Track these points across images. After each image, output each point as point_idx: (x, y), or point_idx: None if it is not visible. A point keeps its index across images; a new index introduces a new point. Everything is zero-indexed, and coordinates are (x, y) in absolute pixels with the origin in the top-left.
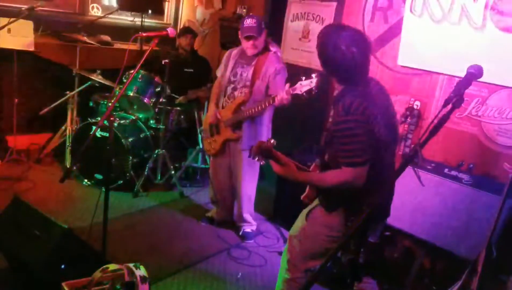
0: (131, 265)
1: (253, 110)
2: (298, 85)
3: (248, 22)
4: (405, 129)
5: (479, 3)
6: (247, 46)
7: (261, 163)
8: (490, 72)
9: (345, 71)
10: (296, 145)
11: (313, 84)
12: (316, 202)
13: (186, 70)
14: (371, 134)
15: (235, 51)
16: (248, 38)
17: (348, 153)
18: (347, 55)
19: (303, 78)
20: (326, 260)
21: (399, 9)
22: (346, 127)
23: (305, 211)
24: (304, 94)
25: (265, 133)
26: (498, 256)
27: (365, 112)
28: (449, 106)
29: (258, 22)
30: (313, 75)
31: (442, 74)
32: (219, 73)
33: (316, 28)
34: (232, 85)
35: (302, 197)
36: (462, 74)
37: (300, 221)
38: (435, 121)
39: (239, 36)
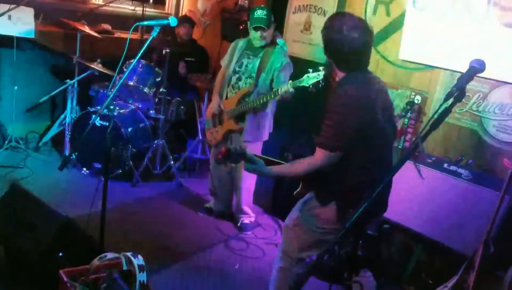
0: (129, 254)
1: (256, 102)
2: (305, 77)
3: (259, 13)
4: (405, 123)
5: None
6: (255, 36)
7: (232, 165)
8: (492, 68)
9: (344, 54)
10: (298, 138)
11: (321, 77)
12: (311, 193)
13: (186, 59)
14: (359, 125)
15: (241, 42)
16: (256, 28)
17: (323, 133)
18: (346, 39)
19: (311, 70)
20: (322, 252)
21: (401, 2)
22: (335, 111)
23: (300, 202)
24: (311, 86)
25: (268, 125)
26: (496, 252)
27: (360, 100)
28: (451, 100)
29: (268, 14)
30: (321, 68)
31: (443, 68)
32: (223, 63)
33: (318, 21)
34: (237, 75)
35: (295, 193)
36: (464, 69)
37: (295, 212)
38: (437, 114)
39: (248, 26)
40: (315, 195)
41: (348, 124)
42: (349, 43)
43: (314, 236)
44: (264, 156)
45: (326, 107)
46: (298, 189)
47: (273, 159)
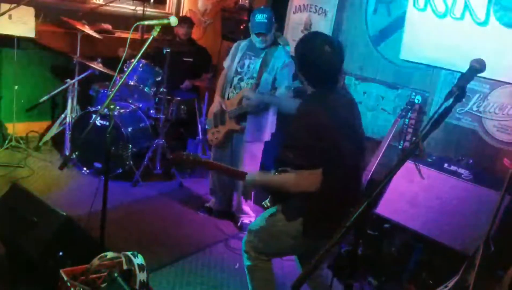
0: (129, 253)
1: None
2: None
3: (259, 17)
4: (405, 123)
5: None
6: (257, 40)
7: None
8: (492, 68)
9: (318, 69)
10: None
11: None
12: (278, 207)
13: (185, 59)
14: (322, 141)
15: (243, 43)
16: (258, 34)
17: (301, 158)
18: (322, 54)
19: None
20: (321, 255)
21: (402, 2)
22: (296, 130)
23: (266, 212)
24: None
25: (269, 126)
26: (496, 251)
27: (318, 119)
28: (451, 100)
29: (269, 18)
30: None
31: (444, 68)
32: (226, 64)
33: (318, 20)
34: (239, 76)
35: (263, 203)
36: (464, 69)
37: (260, 221)
38: (437, 114)
39: (250, 28)
40: (281, 210)
41: (314, 141)
42: (323, 61)
43: (286, 246)
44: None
45: (291, 129)
46: (268, 201)
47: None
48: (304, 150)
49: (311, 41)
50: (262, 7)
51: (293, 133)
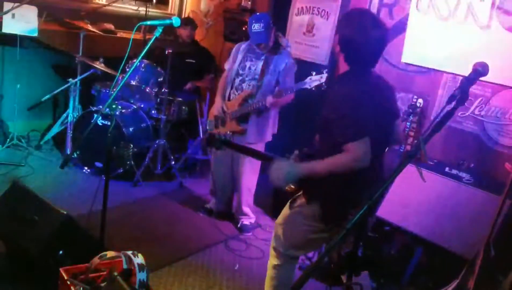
0: (129, 252)
1: (255, 105)
2: (307, 80)
3: (256, 27)
4: (407, 127)
5: (485, 2)
6: (257, 47)
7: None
8: (495, 72)
9: (357, 50)
10: (302, 140)
11: (323, 79)
12: (300, 191)
13: (187, 60)
14: (362, 112)
15: (244, 45)
16: (257, 45)
17: (347, 129)
18: (364, 31)
19: (314, 73)
20: (322, 256)
21: (404, 5)
22: (337, 104)
23: (290, 200)
24: (313, 88)
25: (271, 127)
26: (496, 255)
27: (357, 93)
28: (453, 103)
29: (265, 25)
30: (324, 71)
31: (446, 72)
32: (227, 65)
33: (320, 23)
34: (240, 78)
35: (286, 187)
36: (466, 73)
37: (285, 210)
38: (439, 117)
39: (248, 34)
40: (302, 193)
41: (356, 110)
42: (365, 36)
43: (302, 234)
44: (235, 144)
45: (330, 107)
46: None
47: (245, 146)
48: (349, 120)
49: (360, 18)
50: (257, 14)
51: (333, 108)
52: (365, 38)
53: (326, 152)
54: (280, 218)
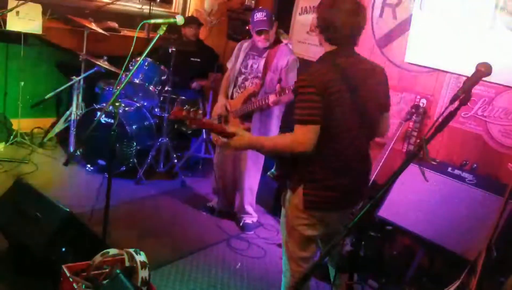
0: (131, 250)
1: (258, 103)
2: None
3: (259, 16)
4: (410, 126)
5: (489, 3)
6: (259, 39)
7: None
8: (498, 73)
9: (335, 30)
10: None
11: None
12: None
13: (192, 59)
14: (324, 98)
15: (245, 44)
16: (259, 32)
17: (299, 110)
18: (341, 11)
19: None
20: (322, 256)
21: (408, 5)
22: (302, 86)
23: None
24: None
25: (275, 125)
26: (498, 257)
27: (324, 75)
28: (456, 103)
29: (268, 16)
30: None
31: (449, 72)
32: (229, 64)
33: None
34: (243, 76)
35: (268, 173)
36: (470, 74)
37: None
38: (441, 118)
39: (250, 30)
40: (288, 185)
41: (316, 98)
42: (343, 20)
43: (298, 229)
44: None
45: (296, 83)
46: (273, 170)
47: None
48: (304, 104)
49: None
50: (260, 7)
51: (296, 89)
52: (340, 13)
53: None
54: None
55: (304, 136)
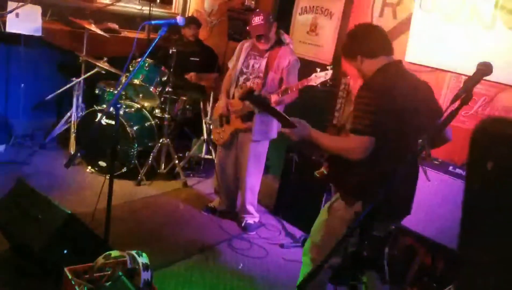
0: (133, 252)
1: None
2: (313, 76)
3: (256, 20)
4: None
5: (489, 2)
6: (259, 43)
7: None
8: (498, 72)
9: (375, 40)
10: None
11: (328, 76)
12: (337, 195)
13: (192, 59)
14: (389, 113)
15: (247, 43)
16: (258, 37)
17: (355, 119)
18: (371, 26)
19: (318, 70)
20: (328, 255)
21: (408, 5)
22: (363, 96)
23: (326, 205)
24: (319, 85)
25: (276, 125)
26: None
27: (388, 91)
28: (457, 103)
29: (265, 18)
30: (329, 68)
31: (449, 72)
32: (230, 64)
33: (324, 22)
34: (244, 76)
35: (316, 172)
36: (470, 73)
37: (321, 217)
38: (443, 117)
39: (250, 33)
40: (341, 196)
41: (379, 110)
42: (373, 30)
43: (335, 240)
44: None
45: (358, 97)
46: (321, 169)
47: (282, 114)
48: (365, 115)
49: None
50: (257, 10)
51: (359, 101)
52: (370, 30)
53: None
54: (316, 226)
55: (358, 144)
